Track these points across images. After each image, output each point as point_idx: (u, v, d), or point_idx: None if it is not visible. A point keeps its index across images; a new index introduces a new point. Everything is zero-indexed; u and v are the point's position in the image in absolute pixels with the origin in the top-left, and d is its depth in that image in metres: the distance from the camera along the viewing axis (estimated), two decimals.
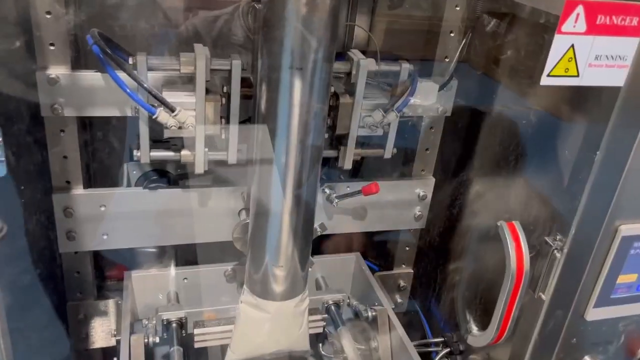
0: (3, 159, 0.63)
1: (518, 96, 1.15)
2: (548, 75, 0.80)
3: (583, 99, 0.92)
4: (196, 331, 1.21)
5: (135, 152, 1.08)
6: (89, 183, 1.20)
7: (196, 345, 1.22)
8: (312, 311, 1.27)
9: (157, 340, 1.16)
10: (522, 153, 1.11)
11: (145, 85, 0.99)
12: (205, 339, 1.22)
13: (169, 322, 1.21)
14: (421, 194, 1.39)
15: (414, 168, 1.39)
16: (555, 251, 0.96)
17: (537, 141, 1.07)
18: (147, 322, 1.19)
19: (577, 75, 0.81)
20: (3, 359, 0.76)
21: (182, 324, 1.22)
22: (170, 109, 1.01)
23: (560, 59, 0.79)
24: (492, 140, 1.24)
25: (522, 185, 1.11)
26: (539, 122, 1.07)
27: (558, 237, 0.96)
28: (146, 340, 1.14)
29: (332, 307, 1.33)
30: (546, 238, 0.98)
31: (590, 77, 0.82)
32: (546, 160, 1.04)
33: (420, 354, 1.19)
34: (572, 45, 0.79)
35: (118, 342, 1.16)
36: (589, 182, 0.89)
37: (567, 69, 0.80)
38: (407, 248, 1.50)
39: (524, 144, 1.11)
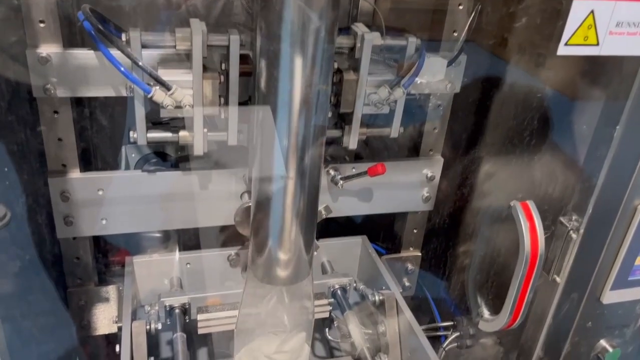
0: None
1: (531, 71, 1.10)
2: (566, 44, 0.75)
3: (602, 71, 0.87)
4: (199, 317, 1.19)
5: (131, 134, 1.04)
6: (86, 166, 1.17)
7: (199, 332, 1.20)
8: (318, 295, 1.24)
9: (160, 326, 1.14)
10: (535, 131, 1.07)
11: (139, 63, 0.95)
12: (208, 325, 1.20)
13: (171, 308, 1.19)
14: (429, 174, 1.34)
15: (421, 148, 1.34)
16: (571, 232, 0.92)
17: (551, 117, 1.03)
18: (149, 308, 1.17)
19: (597, 44, 0.76)
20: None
21: (185, 309, 1.20)
22: (166, 87, 0.97)
23: (579, 27, 0.74)
24: (503, 119, 1.20)
25: (536, 164, 1.07)
26: (554, 97, 1.02)
27: (574, 218, 0.92)
28: (148, 326, 1.12)
29: (339, 291, 1.30)
30: (561, 218, 0.94)
31: (610, 46, 0.77)
32: (561, 138, 0.99)
33: (429, 338, 1.16)
34: (592, 12, 0.74)
35: (120, 328, 1.13)
36: (607, 159, 0.85)
37: (587, 37, 0.75)
38: (415, 230, 1.46)
39: (538, 121, 1.06)
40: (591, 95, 0.91)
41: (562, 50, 0.76)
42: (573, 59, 0.96)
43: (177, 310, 1.19)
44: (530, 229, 0.91)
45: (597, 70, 0.89)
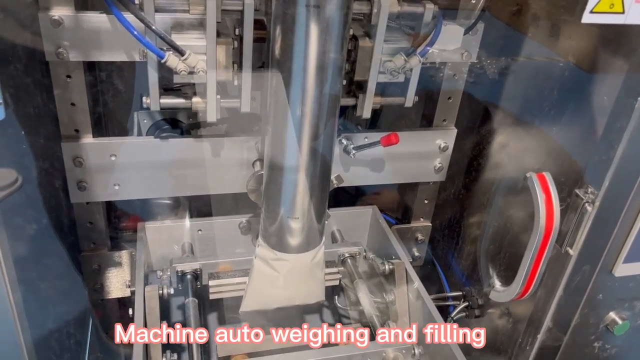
0: (1, 101, 0.58)
1: (550, 41, 1.07)
2: (591, 12, 0.73)
3: (624, 42, 0.85)
4: (211, 282, 1.20)
5: (144, 99, 1.03)
6: (98, 132, 1.17)
7: (211, 297, 1.22)
8: (328, 264, 1.25)
9: (172, 291, 1.15)
10: (553, 101, 1.05)
11: (152, 27, 0.93)
12: (220, 291, 1.22)
13: (183, 274, 1.20)
14: (442, 145, 1.33)
15: (435, 118, 1.33)
16: (587, 204, 0.91)
17: (570, 88, 1.01)
18: (161, 274, 1.18)
19: (622, 12, 0.74)
20: (12, 310, 0.75)
21: (196, 275, 1.21)
22: (180, 52, 0.95)
23: None
24: (519, 88, 1.17)
25: (552, 135, 1.05)
26: (574, 67, 1.00)
27: (590, 190, 0.91)
28: (161, 291, 1.13)
29: (348, 260, 1.31)
30: (577, 190, 0.93)
31: (636, 15, 0.74)
32: (580, 108, 0.97)
33: (438, 308, 1.17)
34: None
35: (133, 293, 1.15)
36: (627, 130, 0.84)
37: (612, 4, 0.73)
38: (426, 201, 1.46)
39: (556, 91, 1.05)
40: (612, 65, 0.89)
41: (587, 18, 0.74)
42: (593, 28, 0.94)
43: (189, 276, 1.20)
44: (546, 200, 0.90)
45: (619, 40, 0.86)
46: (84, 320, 1.34)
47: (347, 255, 1.31)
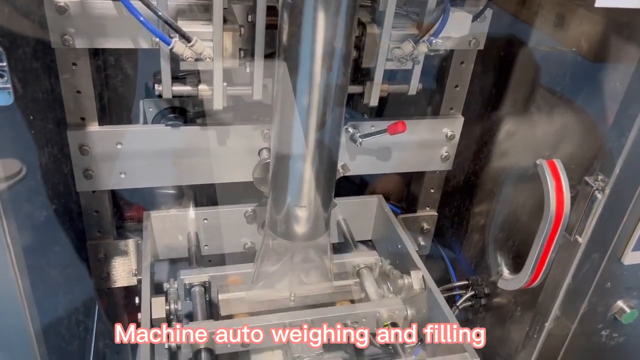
0: (9, 85, 0.58)
1: (560, 26, 1.06)
2: None
3: (638, 26, 0.84)
4: (220, 297, 1.16)
5: (156, 87, 1.03)
6: (104, 120, 1.16)
7: (222, 314, 1.15)
8: (342, 275, 1.24)
9: (180, 306, 1.10)
10: (563, 87, 1.04)
11: (159, 13, 0.92)
12: (230, 306, 1.17)
13: (191, 286, 1.16)
14: (449, 133, 1.32)
15: (442, 106, 1.32)
16: (596, 192, 0.90)
17: (580, 73, 1.00)
18: (168, 286, 1.13)
19: None
20: (22, 297, 0.75)
21: (205, 287, 1.17)
22: (187, 39, 0.94)
23: None
24: (528, 74, 1.16)
25: (562, 121, 1.04)
26: (586, 53, 0.99)
27: (600, 177, 0.90)
28: (167, 307, 1.08)
29: (364, 271, 1.26)
30: (586, 178, 0.92)
31: None
32: (591, 94, 0.96)
33: (444, 297, 1.16)
34: None
35: (139, 281, 1.14)
36: (639, 118, 0.83)
37: None
38: (432, 190, 1.45)
39: (566, 77, 1.04)
40: (625, 52, 0.88)
41: (600, 2, 0.73)
42: (606, 13, 0.93)
43: (196, 288, 1.16)
44: (557, 187, 0.90)
45: (632, 25, 0.86)
46: (90, 308, 1.34)
47: (362, 266, 1.26)
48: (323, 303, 1.19)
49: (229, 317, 1.14)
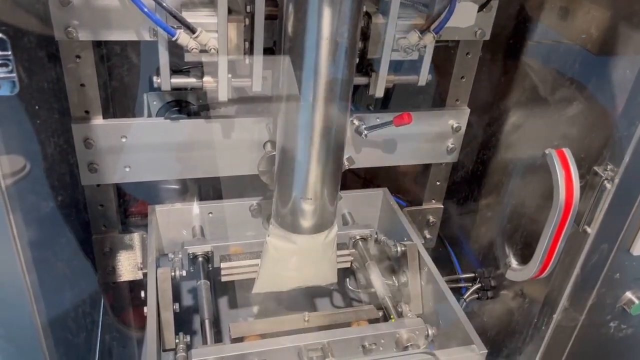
0: (14, 74, 0.57)
1: (566, 16, 1.05)
2: None
3: None
4: (222, 265, 1.20)
5: (155, 79, 1.02)
6: (108, 113, 1.15)
7: (222, 279, 1.21)
8: (339, 246, 1.23)
9: (184, 273, 1.14)
10: (571, 76, 1.03)
11: (163, 4, 0.92)
12: (231, 273, 1.21)
13: (195, 256, 1.20)
14: (455, 125, 1.32)
15: (447, 98, 1.31)
16: (606, 182, 0.89)
17: (588, 62, 0.99)
18: (173, 256, 1.17)
19: None
20: (29, 291, 0.75)
21: (208, 257, 1.21)
22: (191, 30, 0.94)
23: None
24: (536, 64, 1.15)
25: (570, 111, 1.03)
26: (593, 40, 0.98)
27: (609, 167, 0.90)
28: (173, 273, 1.13)
29: (360, 242, 1.30)
30: (595, 168, 0.91)
31: None
32: (600, 83, 0.95)
33: (450, 290, 1.16)
34: None
35: (145, 275, 1.14)
36: None
37: None
38: (438, 182, 1.45)
39: (574, 66, 1.03)
40: (634, 40, 0.87)
41: None
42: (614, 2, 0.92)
43: (200, 258, 1.20)
44: (566, 177, 0.89)
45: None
46: (96, 302, 1.34)
47: (358, 237, 1.31)
48: (338, 323, 1.16)
49: (240, 339, 1.12)
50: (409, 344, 1.07)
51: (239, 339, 1.12)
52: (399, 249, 1.25)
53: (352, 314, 1.21)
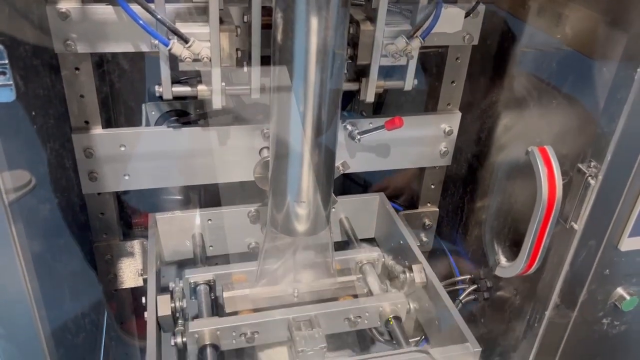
0: (11, 82, 0.61)
1: (548, 16, 1.08)
2: None
3: (623, 10, 0.85)
4: (225, 294, 1.17)
5: (157, 88, 1.05)
6: (107, 123, 1.19)
7: (227, 311, 1.17)
8: (344, 271, 1.25)
9: (185, 304, 1.11)
10: (554, 76, 1.05)
11: (158, 16, 0.95)
12: (234, 302, 1.18)
13: (196, 285, 1.18)
14: (447, 129, 1.34)
15: (439, 102, 1.33)
16: (590, 178, 0.91)
17: (570, 61, 1.01)
18: (173, 286, 1.14)
19: None
20: (32, 300, 0.77)
21: (210, 286, 1.18)
22: (184, 39, 0.97)
23: None
24: (521, 63, 1.18)
25: (554, 111, 1.05)
26: (573, 39, 1.00)
27: (592, 164, 0.91)
28: (173, 305, 1.09)
29: (367, 267, 1.27)
30: (580, 165, 0.93)
31: None
32: (580, 82, 0.98)
33: (447, 292, 1.17)
34: None
35: (145, 280, 1.16)
36: (628, 102, 0.84)
37: None
38: (432, 186, 1.47)
39: (556, 66, 1.05)
40: (613, 35, 0.89)
41: None
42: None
43: (202, 287, 1.17)
44: (548, 174, 0.91)
45: (618, 10, 0.87)
46: (99, 310, 1.36)
47: (365, 262, 1.27)
48: (326, 298, 1.20)
49: (234, 313, 1.16)
50: (391, 316, 1.13)
51: (234, 313, 1.15)
52: (407, 275, 1.21)
53: (340, 290, 1.23)
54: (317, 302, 1.16)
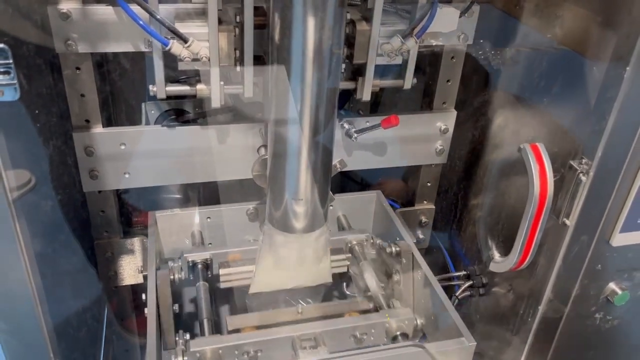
0: (15, 81, 0.62)
1: (538, 15, 1.09)
2: None
3: (613, 10, 0.87)
4: (221, 271, 1.21)
5: (151, 87, 1.07)
6: (108, 122, 1.20)
7: (222, 286, 1.22)
8: (336, 251, 1.26)
9: (183, 276, 1.16)
10: (546, 75, 1.07)
11: (157, 17, 0.97)
12: (230, 279, 1.23)
13: (194, 264, 1.22)
14: (442, 127, 1.36)
15: (434, 101, 1.35)
16: (581, 175, 0.93)
17: (562, 60, 1.03)
18: (172, 264, 1.19)
19: None
20: (34, 293, 0.78)
21: (207, 265, 1.23)
22: (183, 39, 0.99)
23: None
24: (514, 63, 1.19)
25: (546, 109, 1.07)
26: (565, 39, 1.02)
27: (584, 161, 0.93)
28: (172, 276, 1.15)
29: (356, 247, 1.31)
30: (571, 162, 0.95)
31: None
32: (571, 81, 0.99)
33: (443, 288, 1.19)
34: None
35: (145, 277, 1.18)
36: (617, 100, 0.86)
37: None
38: (429, 184, 1.49)
39: (548, 65, 1.07)
40: (603, 35, 0.91)
41: None
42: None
43: (199, 266, 1.22)
44: (540, 171, 0.92)
45: (608, 11, 0.89)
46: (99, 307, 1.38)
47: (354, 242, 1.32)
48: (331, 315, 1.19)
49: (236, 331, 1.15)
50: (398, 333, 1.12)
51: (236, 331, 1.15)
52: (393, 249, 1.27)
53: (344, 305, 1.24)
54: (322, 319, 1.15)
